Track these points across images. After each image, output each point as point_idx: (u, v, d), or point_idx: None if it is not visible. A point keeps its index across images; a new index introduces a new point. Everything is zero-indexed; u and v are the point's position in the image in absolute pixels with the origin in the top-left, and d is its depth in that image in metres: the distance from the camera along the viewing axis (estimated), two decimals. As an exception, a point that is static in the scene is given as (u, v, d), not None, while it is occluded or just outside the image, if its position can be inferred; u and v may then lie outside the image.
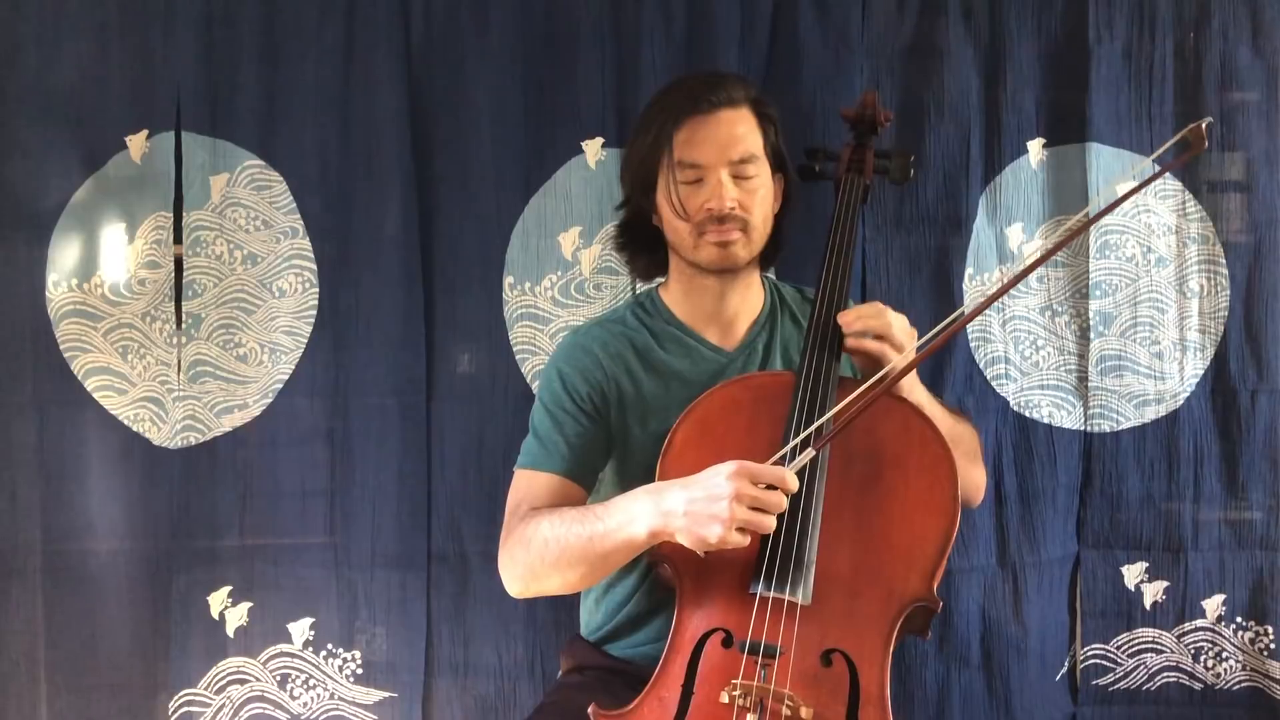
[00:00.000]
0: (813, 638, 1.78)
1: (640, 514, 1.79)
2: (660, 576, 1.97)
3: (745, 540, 1.73)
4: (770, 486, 1.70)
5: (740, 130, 2.06)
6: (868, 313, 1.99)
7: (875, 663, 1.79)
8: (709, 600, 1.84)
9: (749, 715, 1.71)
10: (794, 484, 1.73)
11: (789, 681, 1.74)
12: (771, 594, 1.79)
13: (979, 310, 2.07)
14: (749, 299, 2.22)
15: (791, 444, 1.83)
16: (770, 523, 1.72)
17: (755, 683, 1.73)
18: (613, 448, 2.11)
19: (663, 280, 2.26)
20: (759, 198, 2.07)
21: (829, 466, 1.88)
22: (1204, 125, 1.86)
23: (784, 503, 1.72)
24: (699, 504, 1.71)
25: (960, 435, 2.10)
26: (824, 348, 1.98)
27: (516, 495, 2.05)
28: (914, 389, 2.04)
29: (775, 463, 1.78)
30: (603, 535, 1.83)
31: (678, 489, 1.75)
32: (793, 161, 2.25)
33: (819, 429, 1.81)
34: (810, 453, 1.75)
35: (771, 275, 2.55)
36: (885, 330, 1.97)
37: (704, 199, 2.04)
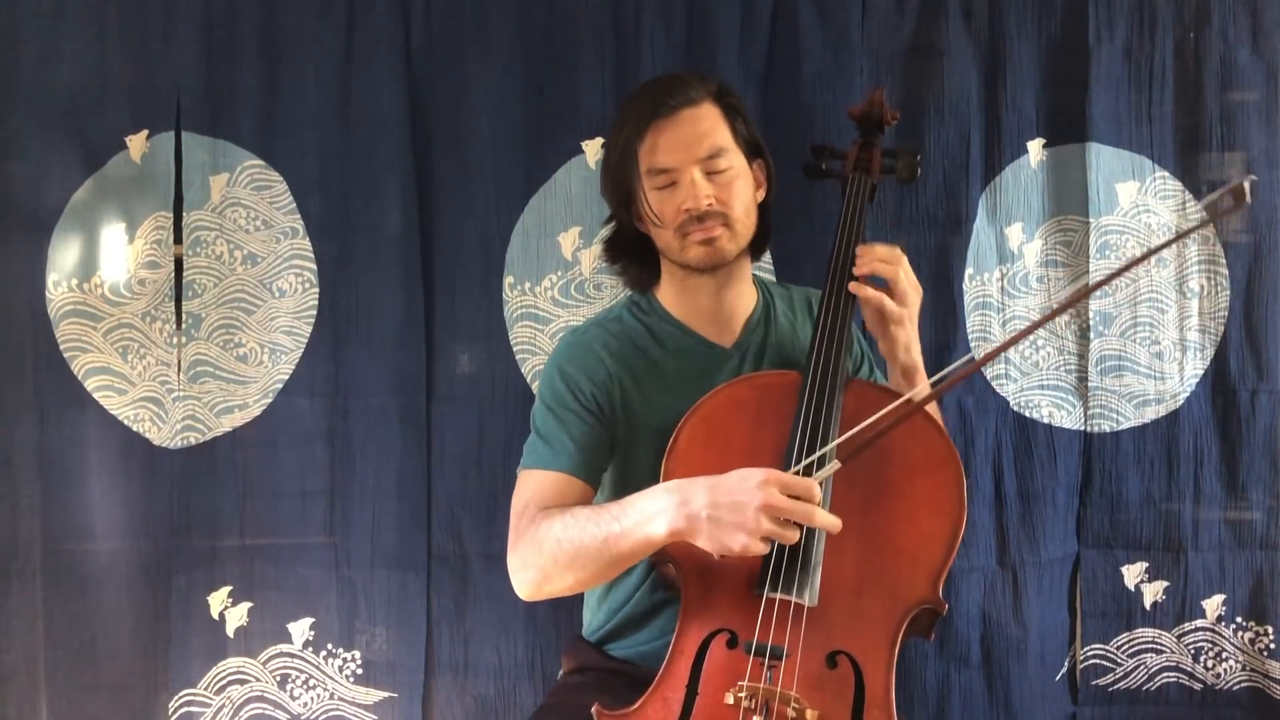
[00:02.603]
0: (818, 639, 1.78)
1: (660, 513, 1.77)
2: (664, 576, 1.97)
3: (766, 549, 1.73)
4: (795, 497, 1.71)
5: (704, 126, 2.06)
6: (882, 254, 2.03)
7: (880, 665, 1.79)
8: (714, 601, 1.83)
9: (754, 717, 1.71)
10: (819, 496, 1.73)
11: (794, 683, 1.74)
12: (778, 596, 1.78)
13: (1005, 345, 2.05)
14: (744, 295, 2.22)
15: (820, 453, 1.83)
16: (795, 535, 1.72)
17: (761, 684, 1.73)
18: (615, 447, 2.11)
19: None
20: (736, 189, 2.07)
21: (834, 469, 1.87)
22: (1247, 184, 1.82)
23: (812, 515, 1.72)
24: (725, 510, 1.70)
25: None
26: (831, 347, 1.99)
27: (523, 496, 2.02)
28: (912, 347, 2.07)
29: (799, 471, 1.79)
30: (619, 535, 1.82)
31: (702, 491, 1.74)
32: (799, 159, 2.26)
33: (848, 441, 1.79)
34: (836, 465, 1.75)
35: (771, 276, 2.56)
36: (893, 278, 2.01)
37: (680, 201, 2.05)
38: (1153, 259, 2.73)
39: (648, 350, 2.16)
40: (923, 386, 1.96)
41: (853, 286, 2.02)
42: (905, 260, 2.05)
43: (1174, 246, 2.74)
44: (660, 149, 2.06)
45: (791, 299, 2.30)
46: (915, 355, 2.07)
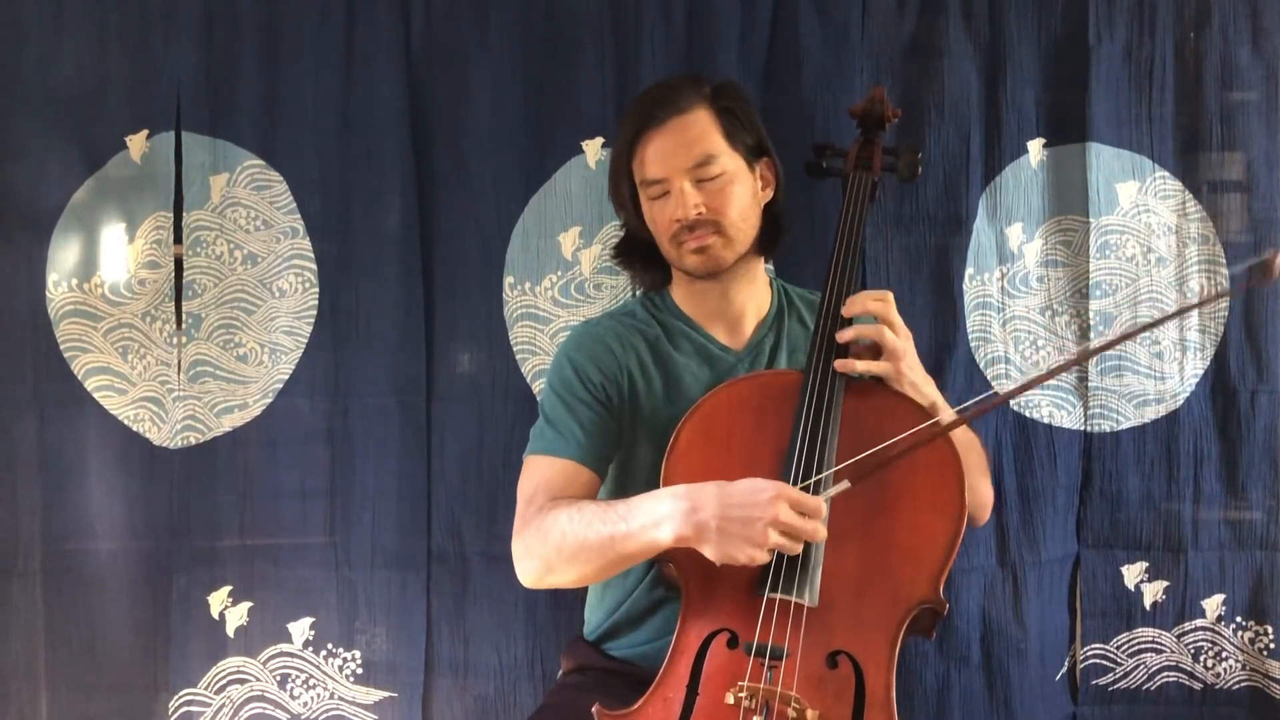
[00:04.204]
0: (819, 640, 1.78)
1: (667, 518, 1.77)
2: (664, 575, 1.96)
3: (770, 559, 1.74)
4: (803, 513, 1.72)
5: (693, 134, 2.05)
6: (874, 308, 1.98)
7: (881, 665, 1.79)
8: (715, 601, 1.83)
9: (755, 717, 1.71)
10: (824, 513, 1.75)
11: (795, 684, 1.74)
12: (779, 596, 1.78)
13: (1038, 380, 2.01)
14: (755, 296, 2.22)
15: (828, 472, 1.83)
16: (799, 548, 1.74)
17: (761, 685, 1.73)
18: (621, 438, 2.11)
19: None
20: (729, 195, 2.06)
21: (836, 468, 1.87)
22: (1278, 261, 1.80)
23: (820, 533, 1.73)
24: (735, 523, 1.71)
25: (971, 443, 2.09)
26: (832, 346, 1.98)
27: (531, 482, 2.02)
28: (923, 386, 2.03)
29: (807, 488, 1.80)
30: (625, 536, 1.82)
31: (712, 499, 1.74)
32: (800, 158, 2.26)
33: (859, 462, 1.79)
34: (846, 485, 1.75)
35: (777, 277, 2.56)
36: (877, 337, 1.97)
37: (671, 211, 2.05)
38: (1153, 259, 2.74)
39: (658, 345, 2.16)
40: (944, 415, 1.95)
41: (839, 365, 1.95)
42: (890, 301, 2.01)
43: (1174, 246, 2.75)
44: (649, 160, 2.06)
45: (810, 301, 2.29)
46: (930, 392, 2.02)
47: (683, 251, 2.08)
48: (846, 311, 2.00)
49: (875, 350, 1.98)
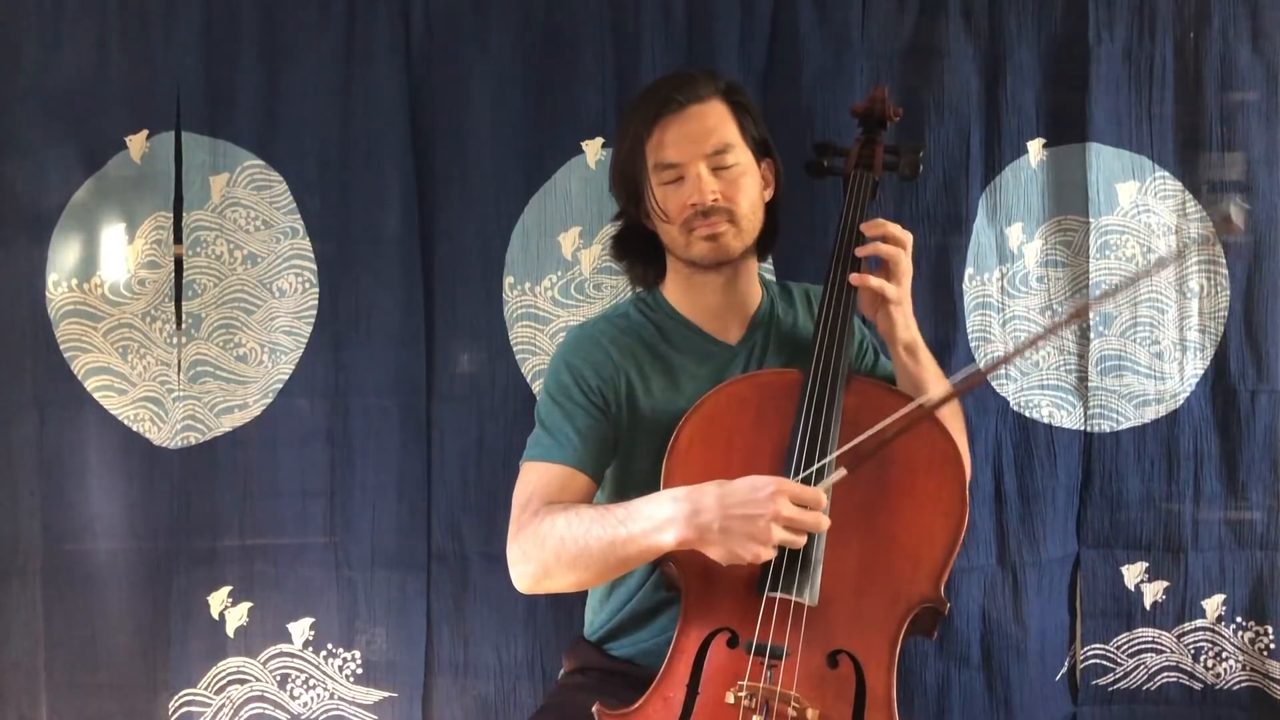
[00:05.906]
0: (819, 639, 1.79)
1: (669, 522, 1.77)
2: (665, 575, 1.96)
3: (774, 554, 1.74)
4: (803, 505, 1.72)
5: (711, 122, 2.06)
6: (894, 234, 2.05)
7: (882, 664, 1.79)
8: (715, 600, 1.84)
9: (755, 716, 1.71)
10: (826, 504, 1.75)
11: (795, 683, 1.74)
12: (779, 595, 1.78)
13: (1015, 354, 2.04)
14: (749, 292, 2.22)
15: (824, 461, 1.83)
16: (803, 540, 1.74)
17: (761, 684, 1.73)
18: (618, 443, 2.10)
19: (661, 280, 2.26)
20: (742, 185, 2.07)
21: (836, 467, 1.87)
22: (1233, 211, 1.81)
23: (822, 523, 1.73)
24: (737, 521, 1.71)
25: (955, 411, 2.14)
26: (832, 346, 1.99)
27: (526, 488, 2.02)
28: (910, 323, 2.09)
29: (806, 479, 1.80)
30: (625, 540, 1.81)
31: (712, 500, 1.74)
32: (799, 158, 2.26)
33: (853, 449, 1.80)
34: (843, 473, 1.75)
35: (771, 276, 2.56)
36: (896, 259, 2.03)
37: (685, 196, 2.05)
38: (1153, 259, 2.73)
39: (654, 346, 2.16)
40: (930, 394, 1.96)
41: (854, 279, 2.02)
42: (910, 241, 2.07)
43: (1174, 247, 2.74)
44: (667, 144, 2.06)
45: (791, 295, 2.30)
46: (914, 330, 2.09)
47: (693, 238, 2.08)
48: (867, 230, 2.06)
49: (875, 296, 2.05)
